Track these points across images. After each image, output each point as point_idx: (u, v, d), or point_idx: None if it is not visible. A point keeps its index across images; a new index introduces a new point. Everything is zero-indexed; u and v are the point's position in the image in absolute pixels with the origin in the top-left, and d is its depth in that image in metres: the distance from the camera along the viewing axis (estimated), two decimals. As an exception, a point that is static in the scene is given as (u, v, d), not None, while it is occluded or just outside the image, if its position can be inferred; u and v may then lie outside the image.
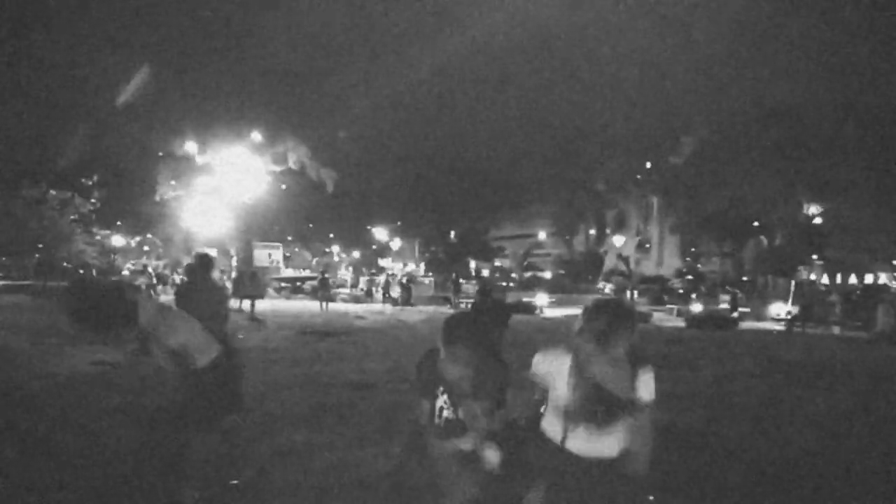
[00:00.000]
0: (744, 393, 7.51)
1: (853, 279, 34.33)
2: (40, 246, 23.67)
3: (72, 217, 24.02)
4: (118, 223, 31.42)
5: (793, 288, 23.26)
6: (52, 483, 3.74)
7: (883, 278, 33.67)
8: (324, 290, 21.71)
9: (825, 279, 34.04)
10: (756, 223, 33.93)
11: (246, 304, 17.27)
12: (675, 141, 37.13)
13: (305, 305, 22.35)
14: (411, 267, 52.28)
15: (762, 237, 34.91)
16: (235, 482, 3.83)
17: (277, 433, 5.04)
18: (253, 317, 15.84)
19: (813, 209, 32.94)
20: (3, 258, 22.91)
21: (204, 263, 4.67)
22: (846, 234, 31.52)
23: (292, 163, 32.16)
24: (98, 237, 26.76)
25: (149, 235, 35.97)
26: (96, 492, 3.63)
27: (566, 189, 49.79)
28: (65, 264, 24.96)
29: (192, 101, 28.77)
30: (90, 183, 26.54)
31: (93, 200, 25.30)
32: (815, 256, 32.89)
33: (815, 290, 25.65)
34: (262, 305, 18.27)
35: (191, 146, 30.13)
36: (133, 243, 36.10)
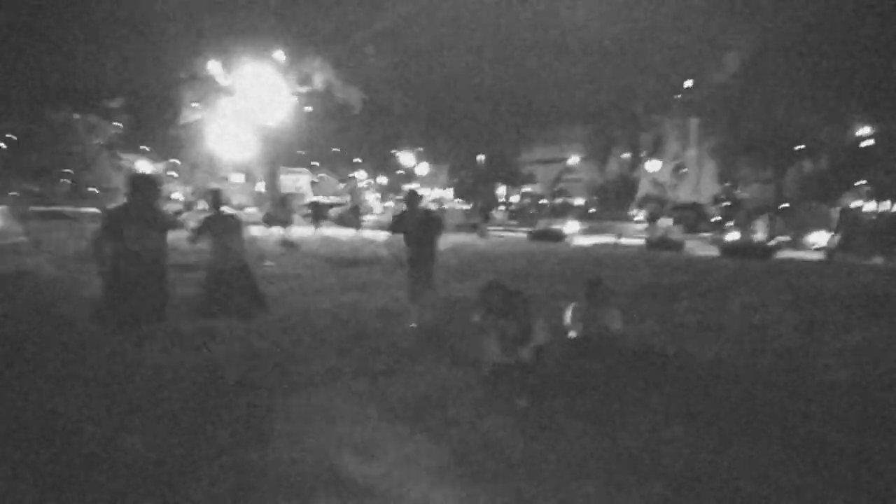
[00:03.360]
0: (775, 325, 7.16)
1: (901, 206, 32.68)
2: (68, 171, 23.83)
3: (98, 141, 24.01)
4: (144, 148, 31.35)
5: (836, 215, 22.18)
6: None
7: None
8: (355, 217, 21.57)
9: (872, 205, 32.53)
10: (800, 146, 32.22)
11: (275, 229, 17.79)
12: (719, 57, 34.87)
13: (334, 232, 22.25)
14: (439, 192, 51.73)
15: (805, 161, 33.25)
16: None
17: (307, 361, 5.13)
18: (286, 242, 16.14)
19: (862, 131, 31.03)
20: (33, 184, 23.20)
21: (216, 198, 5.52)
22: (895, 157, 29.76)
23: (318, 83, 31.26)
24: (124, 162, 26.82)
25: (174, 160, 35.93)
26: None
27: (599, 110, 47.83)
28: (92, 189, 25.20)
29: (213, 19, 27.81)
30: (115, 107, 26.29)
31: (118, 124, 25.20)
32: (861, 181, 31.29)
33: (861, 218, 24.47)
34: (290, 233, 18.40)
35: (213, 67, 29.42)
36: (160, 168, 36.18)
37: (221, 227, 5.36)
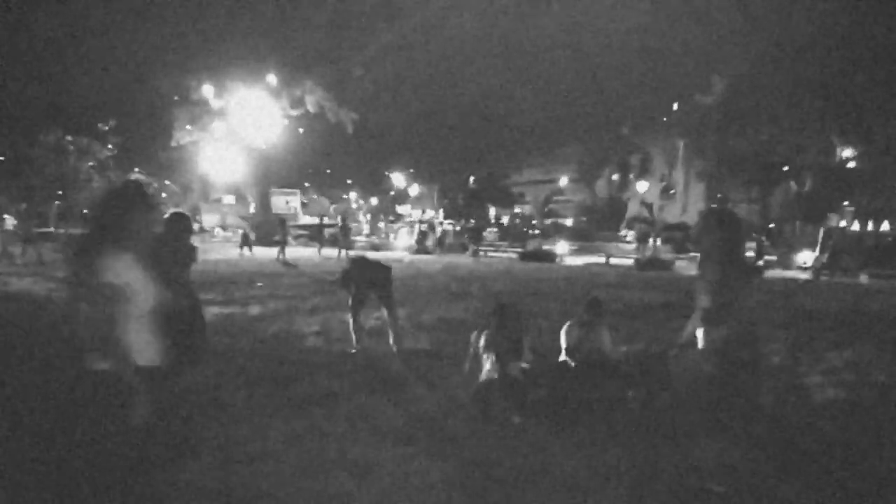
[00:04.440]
0: (764, 343, 7.27)
1: (885, 226, 33.22)
2: (60, 193, 23.81)
3: (90, 163, 24.04)
4: (136, 169, 31.39)
5: (821, 235, 22.54)
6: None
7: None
8: (344, 238, 21.77)
9: (856, 226, 33.01)
10: (785, 168, 32.75)
11: (247, 251, 20.76)
12: (705, 80, 35.58)
13: (325, 253, 22.34)
14: (430, 213, 51.95)
15: (791, 182, 33.77)
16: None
17: (296, 381, 5.13)
18: (285, 262, 17.18)
19: (846, 153, 31.62)
20: (24, 205, 23.13)
21: (174, 221, 4.62)
22: (880, 178, 30.29)
23: (310, 105, 31.54)
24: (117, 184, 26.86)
25: (167, 182, 35.96)
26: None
27: (589, 132, 48.51)
28: (84, 211, 25.13)
29: (206, 44, 28.08)
30: (107, 128, 26.36)
31: (110, 146, 25.25)
32: (845, 203, 31.77)
33: (845, 238, 24.85)
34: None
35: (206, 90, 29.65)
36: (151, 190, 36.14)
37: (170, 251, 4.46)
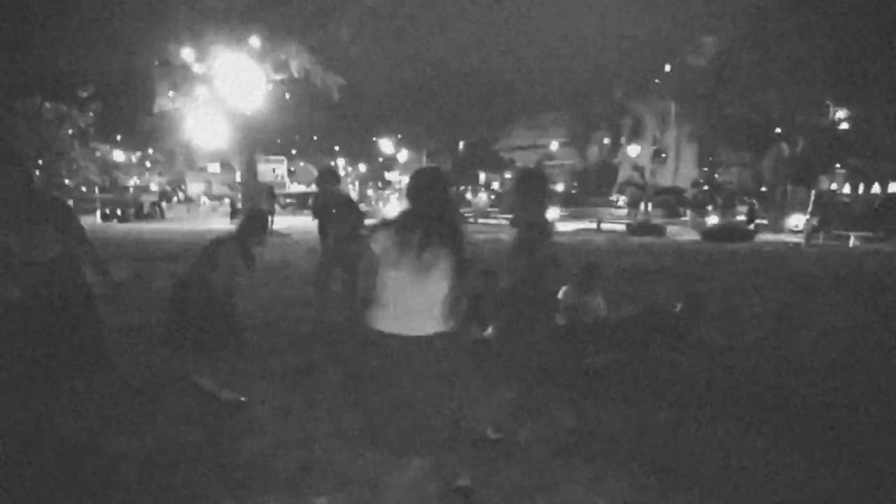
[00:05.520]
0: (756, 306, 7.25)
1: (876, 188, 33.28)
2: (40, 162, 23.19)
3: (70, 131, 23.39)
4: (118, 138, 30.61)
5: (812, 198, 22.52)
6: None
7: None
8: None
9: (847, 189, 33.06)
10: (777, 130, 32.52)
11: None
12: (697, 41, 34.99)
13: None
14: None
15: (783, 145, 33.58)
16: (243, 399, 3.85)
17: (281, 352, 4.97)
18: (275, 232, 16.71)
19: (839, 114, 31.40)
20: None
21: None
22: (871, 140, 30.16)
23: (295, 69, 30.72)
24: (98, 153, 26.18)
25: (150, 150, 35.19)
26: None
27: (580, 95, 47.88)
28: (66, 181, 24.60)
29: (186, 4, 27.15)
30: (86, 95, 25.57)
31: (90, 114, 24.55)
32: (837, 165, 31.71)
33: (836, 201, 24.87)
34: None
35: (188, 54, 28.73)
36: (134, 158, 35.40)
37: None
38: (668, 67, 39.66)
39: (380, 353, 2.39)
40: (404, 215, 2.42)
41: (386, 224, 2.42)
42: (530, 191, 3.30)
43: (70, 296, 3.23)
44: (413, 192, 2.47)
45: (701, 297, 5.59)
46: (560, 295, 5.16)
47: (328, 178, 5.66)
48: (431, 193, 2.44)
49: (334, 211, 5.47)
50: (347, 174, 55.40)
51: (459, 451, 2.84)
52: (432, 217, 2.38)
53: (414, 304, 2.38)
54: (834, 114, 30.99)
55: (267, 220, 4.28)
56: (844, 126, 30.99)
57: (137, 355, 4.69)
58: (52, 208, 3.21)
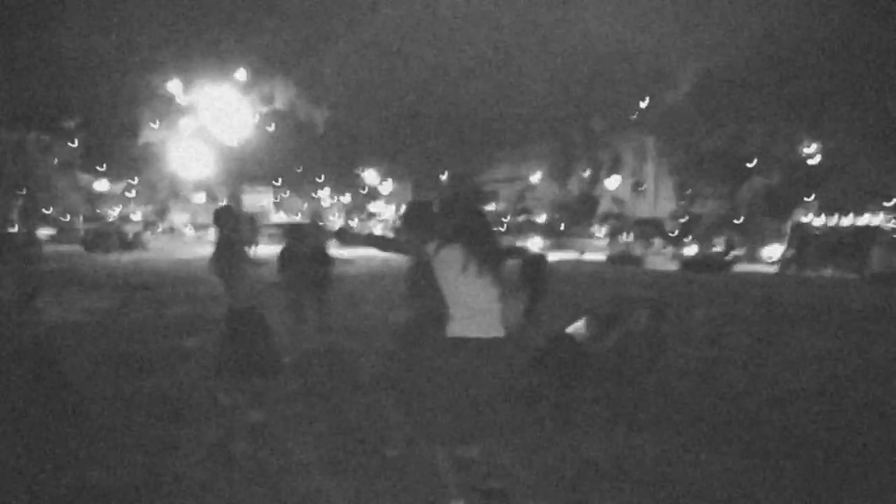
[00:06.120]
0: (736, 335, 7.41)
1: (849, 220, 34.05)
2: (23, 192, 23.07)
3: (54, 161, 23.37)
4: (102, 168, 30.55)
5: (789, 230, 23.10)
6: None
7: (879, 219, 33.40)
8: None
9: (821, 220, 33.81)
10: (752, 163, 33.38)
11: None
12: (672, 76, 36.06)
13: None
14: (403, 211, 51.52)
15: (758, 177, 34.38)
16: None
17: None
18: (253, 260, 16.26)
19: (811, 148, 32.33)
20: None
21: None
22: (843, 173, 31.03)
23: (280, 102, 31.13)
24: (82, 183, 26.11)
25: (135, 180, 35.05)
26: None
27: (560, 129, 48.75)
28: (48, 210, 24.46)
29: (173, 37, 27.47)
30: (70, 125, 25.63)
31: (74, 144, 24.58)
32: (810, 197, 32.48)
33: (811, 232, 25.52)
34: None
35: (174, 86, 29.01)
36: (118, 189, 35.21)
37: None
38: (644, 103, 40.71)
39: (463, 356, 2.63)
40: (452, 232, 2.69)
41: (441, 243, 2.66)
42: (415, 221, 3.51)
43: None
44: (449, 210, 2.82)
45: (663, 310, 5.72)
46: (581, 324, 5.26)
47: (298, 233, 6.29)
48: (466, 208, 2.79)
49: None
50: (331, 205, 55.51)
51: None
52: (473, 228, 2.68)
53: (485, 307, 2.65)
54: (808, 146, 31.95)
55: (256, 222, 4.56)
56: (818, 158, 31.94)
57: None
58: None
